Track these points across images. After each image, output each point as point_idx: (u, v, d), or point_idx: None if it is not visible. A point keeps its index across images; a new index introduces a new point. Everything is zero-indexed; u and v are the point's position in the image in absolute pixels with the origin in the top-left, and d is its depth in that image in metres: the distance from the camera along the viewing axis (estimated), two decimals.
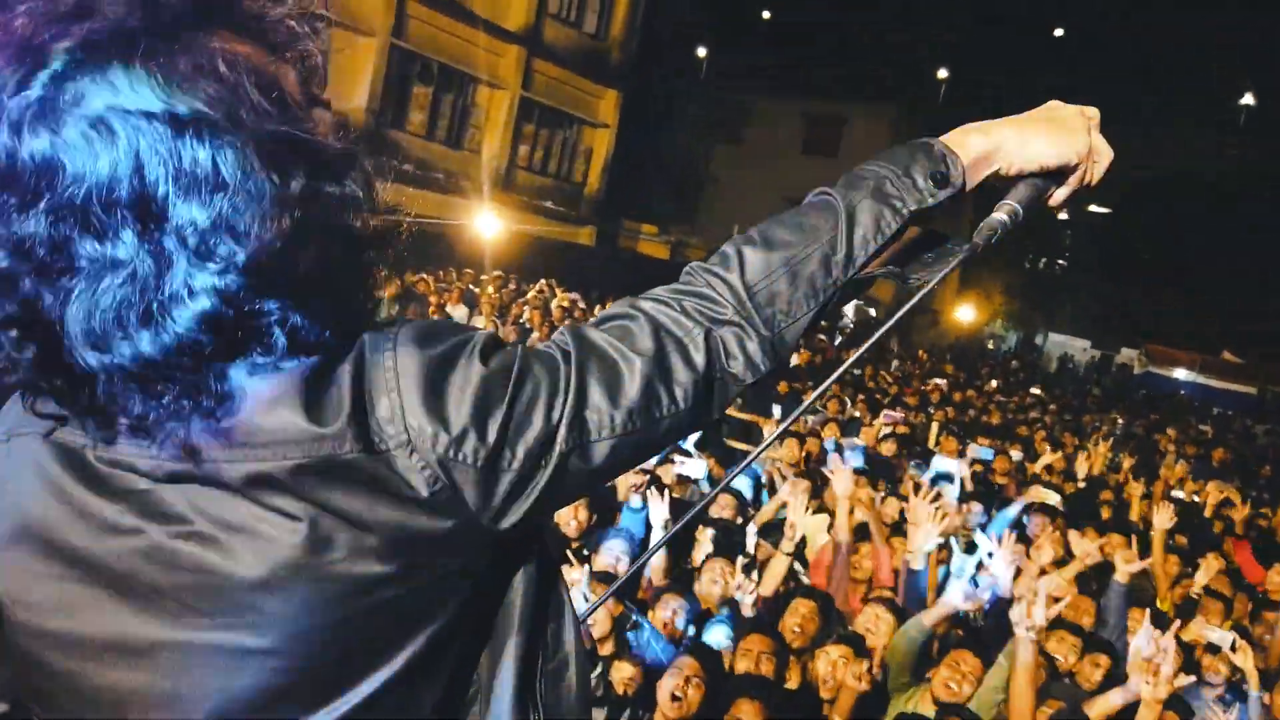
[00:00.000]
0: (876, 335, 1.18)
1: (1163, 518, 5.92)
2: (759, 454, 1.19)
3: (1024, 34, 39.00)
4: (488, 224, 16.86)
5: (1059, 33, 37.44)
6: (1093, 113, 1.16)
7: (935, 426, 10.46)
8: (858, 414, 10.51)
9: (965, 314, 29.74)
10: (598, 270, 19.71)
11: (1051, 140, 1.11)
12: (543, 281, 15.32)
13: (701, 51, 36.13)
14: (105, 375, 0.74)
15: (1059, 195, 1.18)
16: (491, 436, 0.81)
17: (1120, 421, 17.76)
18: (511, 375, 0.84)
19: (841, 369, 1.20)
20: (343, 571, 0.78)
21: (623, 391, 0.88)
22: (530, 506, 0.84)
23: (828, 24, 39.27)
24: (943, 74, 33.62)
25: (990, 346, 35.05)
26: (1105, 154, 1.15)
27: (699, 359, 0.93)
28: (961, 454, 8.63)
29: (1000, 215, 1.12)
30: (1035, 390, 19.87)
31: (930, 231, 1.13)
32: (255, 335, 0.77)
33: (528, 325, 11.60)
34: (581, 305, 14.95)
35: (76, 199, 0.70)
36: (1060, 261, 39.65)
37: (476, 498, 0.81)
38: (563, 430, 0.85)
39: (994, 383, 19.85)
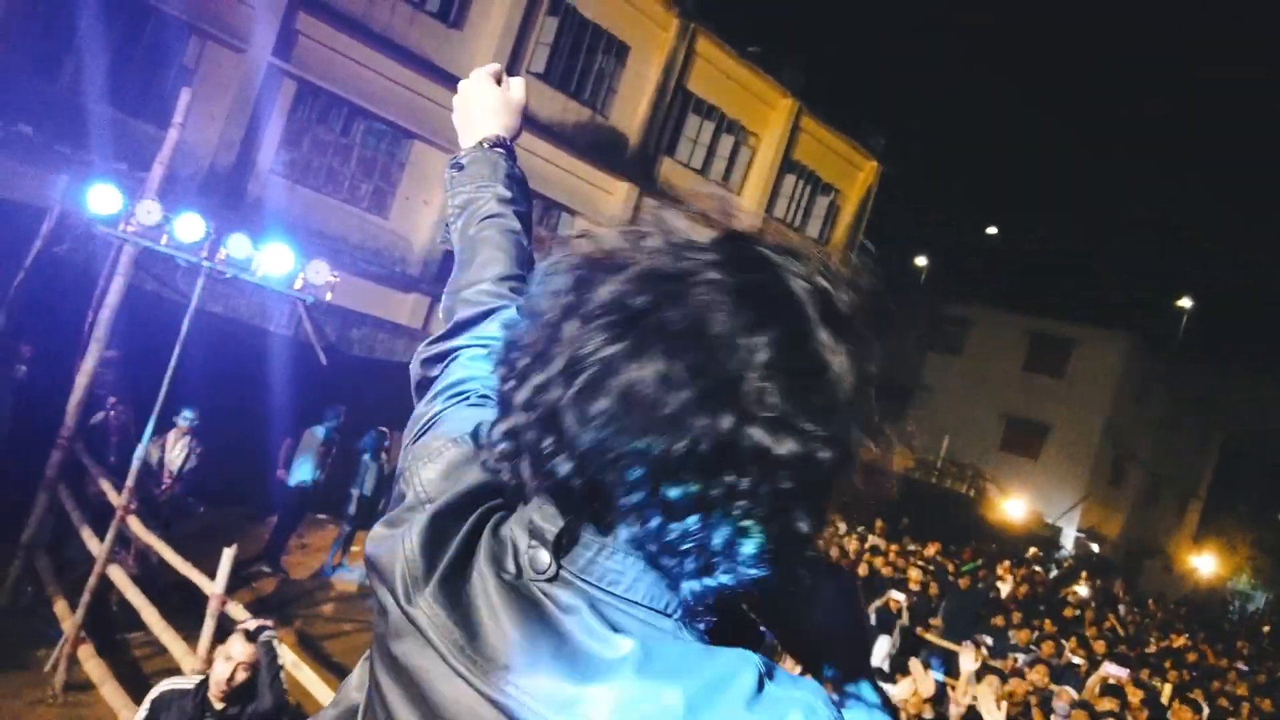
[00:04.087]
0: None
1: None
2: None
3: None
4: None
5: None
6: None
7: (1168, 689, 9.23)
8: (1076, 660, 9.48)
9: (1204, 563, 26.77)
10: None
11: None
12: None
13: (921, 260, 36.31)
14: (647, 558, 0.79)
15: None
16: None
17: None
18: None
19: None
20: None
21: None
22: None
23: (1058, 242, 38.60)
24: (1185, 303, 31.85)
25: (1232, 604, 31.12)
26: None
27: None
28: None
29: None
30: None
31: None
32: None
33: None
34: None
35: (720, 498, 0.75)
36: None
37: None
38: None
39: (1239, 646, 17.44)
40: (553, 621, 0.78)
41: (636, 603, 0.79)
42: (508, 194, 1.33)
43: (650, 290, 0.77)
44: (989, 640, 8.26)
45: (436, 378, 1.10)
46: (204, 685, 3.92)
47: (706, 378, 0.73)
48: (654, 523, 0.76)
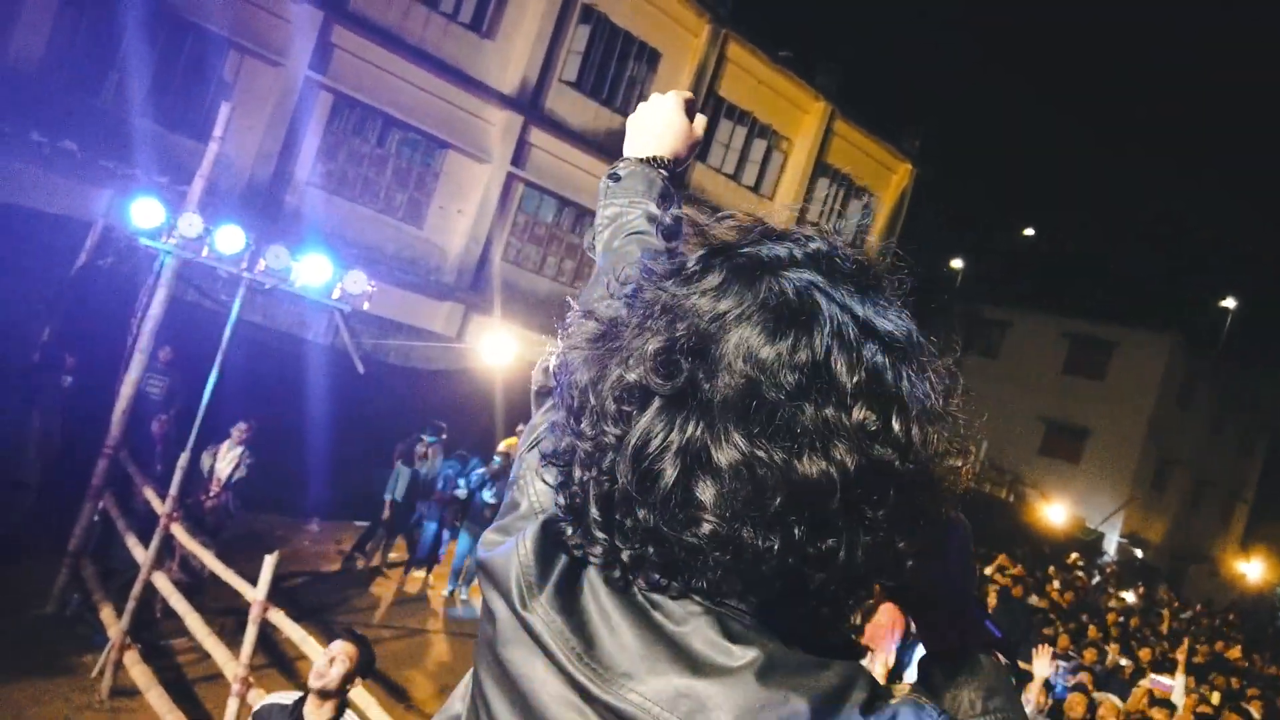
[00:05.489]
0: None
1: None
2: None
3: None
4: None
5: None
6: None
7: (1217, 697, 9.04)
8: (1122, 662, 9.32)
9: (1251, 568, 26.19)
10: None
11: None
12: None
13: (957, 263, 35.93)
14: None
15: None
16: None
17: None
18: None
19: None
20: None
21: None
22: None
23: (1096, 243, 38.05)
24: (1228, 303, 31.19)
25: None
26: None
27: None
28: None
29: None
30: None
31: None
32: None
33: None
34: None
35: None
36: None
37: None
38: None
39: None
40: (667, 631, 0.79)
41: (746, 612, 0.80)
42: (657, 212, 1.32)
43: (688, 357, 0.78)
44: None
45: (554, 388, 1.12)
46: (301, 702, 3.96)
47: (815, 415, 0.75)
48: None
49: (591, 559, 0.83)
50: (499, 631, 0.86)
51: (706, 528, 0.75)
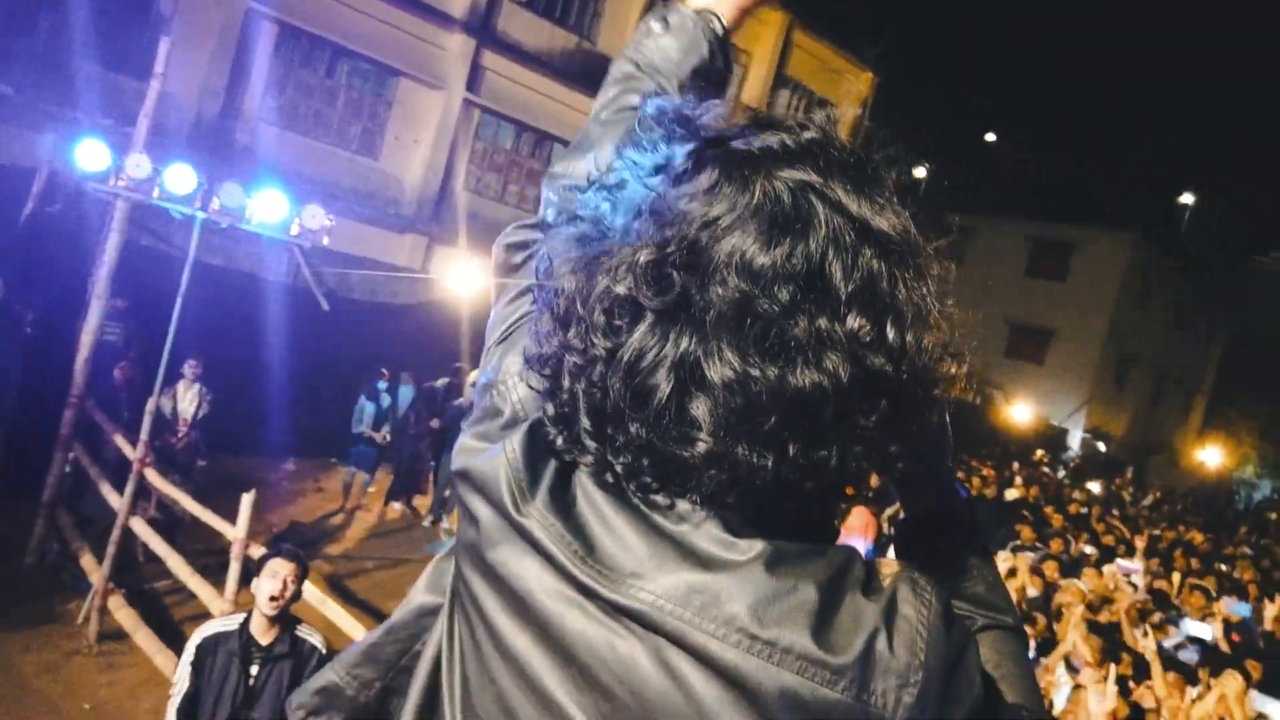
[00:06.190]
0: None
1: None
2: None
3: None
4: None
5: None
6: None
7: (1177, 578, 9.44)
8: (1087, 550, 9.69)
9: (1210, 455, 27.02)
10: None
11: None
12: None
13: (920, 172, 35.84)
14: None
15: None
16: None
17: None
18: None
19: None
20: None
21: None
22: None
23: (1056, 145, 38.05)
24: (1186, 199, 31.47)
25: (1239, 493, 31.50)
26: None
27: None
28: (1210, 612, 7.72)
29: None
30: None
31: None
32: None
33: None
34: None
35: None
36: None
37: None
38: None
39: (1244, 531, 17.74)
40: (668, 531, 0.79)
41: (742, 505, 0.79)
42: (671, 99, 1.11)
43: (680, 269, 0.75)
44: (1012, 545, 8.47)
45: (518, 266, 1.05)
46: (247, 623, 3.93)
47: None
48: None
49: (583, 465, 0.82)
50: (484, 535, 0.84)
51: (701, 446, 0.74)
